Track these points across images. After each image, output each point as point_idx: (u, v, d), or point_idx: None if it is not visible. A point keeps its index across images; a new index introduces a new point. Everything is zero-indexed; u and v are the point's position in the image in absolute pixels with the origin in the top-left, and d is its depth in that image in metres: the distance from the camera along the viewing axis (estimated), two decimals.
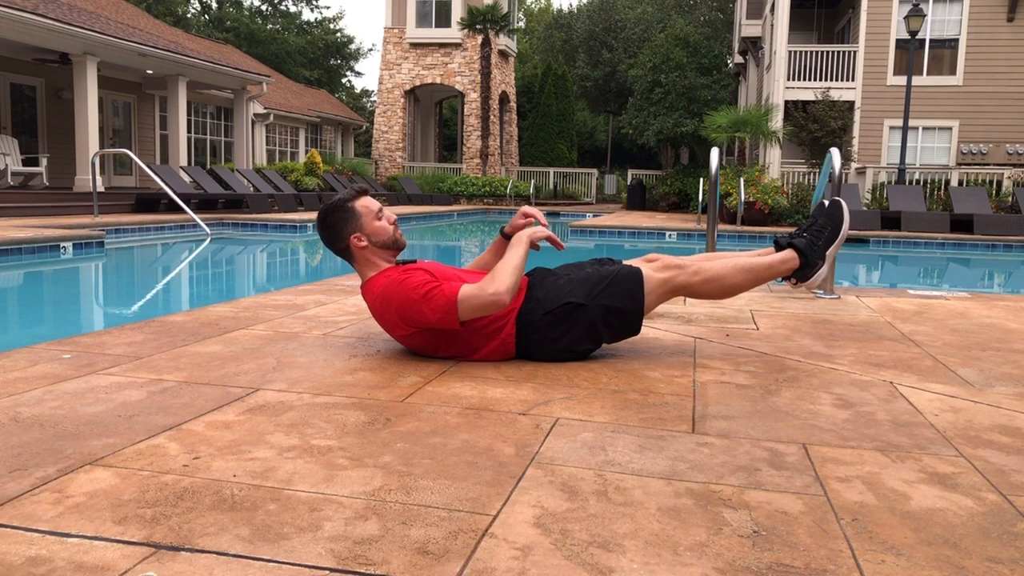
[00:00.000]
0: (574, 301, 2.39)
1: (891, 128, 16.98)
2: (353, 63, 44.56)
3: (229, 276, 7.36)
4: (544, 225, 2.55)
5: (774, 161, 16.93)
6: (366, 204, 2.45)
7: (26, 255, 7.07)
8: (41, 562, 1.13)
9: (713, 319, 3.34)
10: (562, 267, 2.60)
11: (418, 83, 25.12)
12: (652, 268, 2.52)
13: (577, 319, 2.40)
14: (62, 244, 7.49)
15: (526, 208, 2.61)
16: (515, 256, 2.36)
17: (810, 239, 2.61)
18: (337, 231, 2.44)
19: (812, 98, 16.29)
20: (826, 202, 2.73)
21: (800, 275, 2.60)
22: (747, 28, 22.68)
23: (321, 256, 8.75)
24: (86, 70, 13.05)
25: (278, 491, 1.40)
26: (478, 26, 23.07)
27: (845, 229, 2.66)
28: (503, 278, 2.28)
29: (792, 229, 3.64)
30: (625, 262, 2.62)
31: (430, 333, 2.38)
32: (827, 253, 2.63)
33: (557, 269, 2.58)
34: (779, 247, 2.64)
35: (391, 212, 2.51)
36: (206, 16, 39.53)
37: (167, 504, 1.33)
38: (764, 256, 2.62)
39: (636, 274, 2.47)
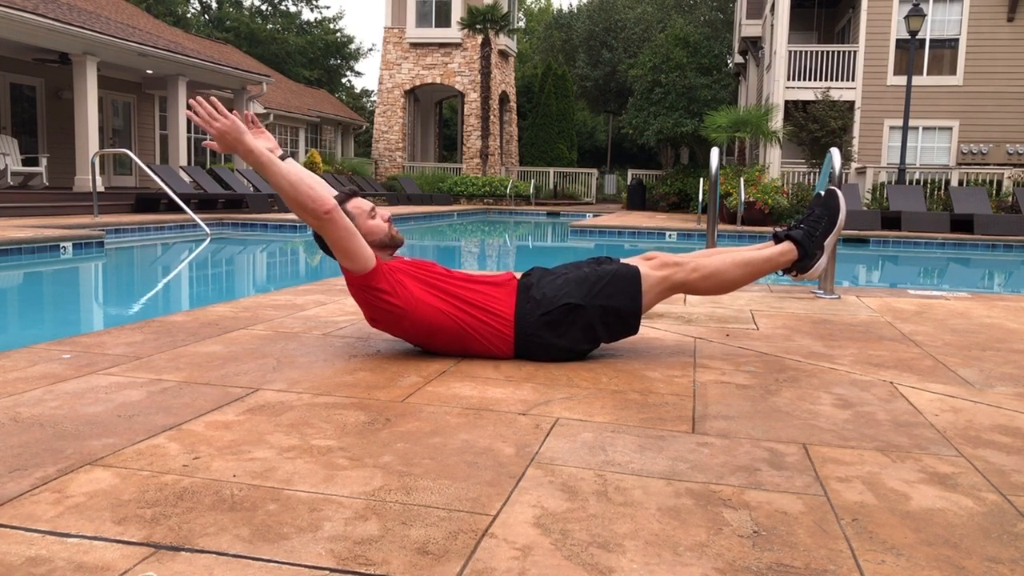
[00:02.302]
0: (571, 302, 2.38)
1: (891, 128, 16.98)
2: (353, 63, 44.56)
3: (229, 276, 7.36)
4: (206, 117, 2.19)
5: (774, 161, 16.92)
6: (358, 205, 2.44)
7: (26, 255, 7.07)
8: (41, 562, 1.13)
9: (713, 319, 3.34)
10: (560, 267, 2.59)
11: (418, 83, 25.12)
12: (650, 266, 2.51)
13: (575, 320, 2.39)
14: (62, 244, 7.49)
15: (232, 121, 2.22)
16: (277, 162, 2.21)
17: (807, 230, 2.61)
18: None
19: (812, 98, 16.29)
20: (822, 192, 2.72)
21: (800, 266, 2.61)
22: (747, 28, 22.67)
23: (321, 256, 8.75)
24: (86, 70, 13.05)
25: (278, 491, 1.40)
26: (478, 26, 23.06)
27: (842, 218, 2.66)
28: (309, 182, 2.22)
29: None
30: (623, 260, 2.62)
31: (425, 326, 2.38)
32: (825, 243, 2.63)
33: (555, 269, 2.57)
34: (777, 240, 2.65)
35: (384, 210, 2.51)
36: (206, 16, 39.53)
37: (167, 504, 1.33)
38: (762, 249, 2.62)
39: (634, 273, 2.47)
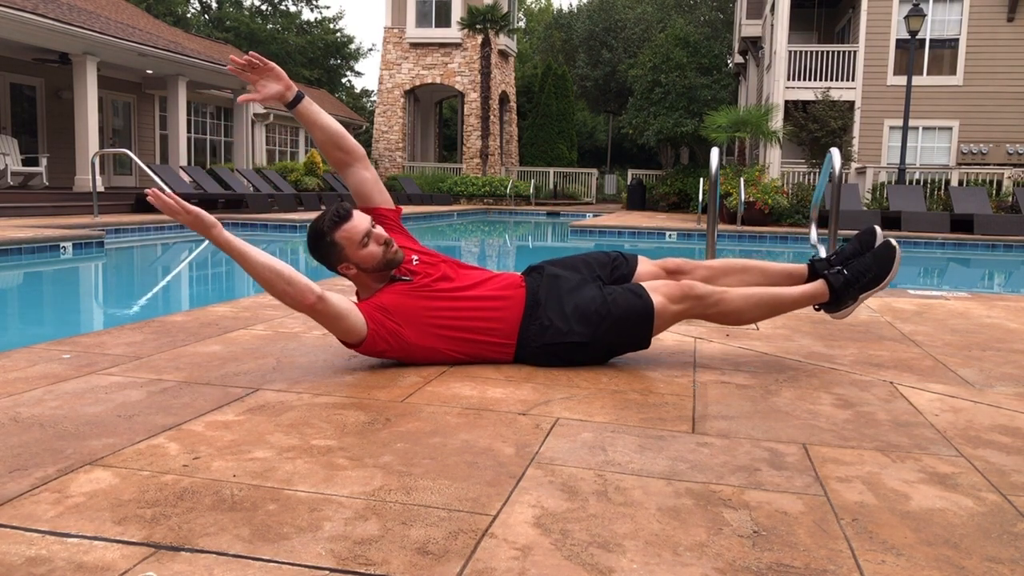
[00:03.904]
0: (577, 340, 2.33)
1: (891, 128, 16.97)
2: (353, 63, 44.54)
3: (229, 276, 7.36)
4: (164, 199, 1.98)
5: (774, 161, 16.92)
6: (348, 234, 2.23)
7: (26, 255, 7.06)
8: (41, 562, 1.13)
9: None
10: (570, 264, 2.50)
11: (418, 83, 25.11)
12: (668, 298, 2.35)
13: (578, 353, 2.36)
14: (62, 244, 7.49)
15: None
16: (251, 257, 2.04)
17: (849, 279, 2.40)
18: (325, 261, 2.34)
19: (812, 98, 16.28)
20: (878, 231, 2.48)
21: (827, 308, 2.47)
22: (747, 28, 22.66)
23: None
24: (86, 70, 13.04)
25: (278, 491, 1.40)
26: (478, 26, 23.06)
27: (891, 279, 2.41)
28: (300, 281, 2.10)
29: (793, 229, 3.55)
30: (641, 260, 2.55)
31: (425, 360, 2.35)
32: (862, 296, 2.43)
33: (564, 271, 2.46)
34: (813, 273, 2.48)
35: (381, 231, 2.30)
36: (206, 16, 39.53)
37: (167, 504, 1.33)
38: (792, 289, 2.45)
39: (647, 312, 2.34)
